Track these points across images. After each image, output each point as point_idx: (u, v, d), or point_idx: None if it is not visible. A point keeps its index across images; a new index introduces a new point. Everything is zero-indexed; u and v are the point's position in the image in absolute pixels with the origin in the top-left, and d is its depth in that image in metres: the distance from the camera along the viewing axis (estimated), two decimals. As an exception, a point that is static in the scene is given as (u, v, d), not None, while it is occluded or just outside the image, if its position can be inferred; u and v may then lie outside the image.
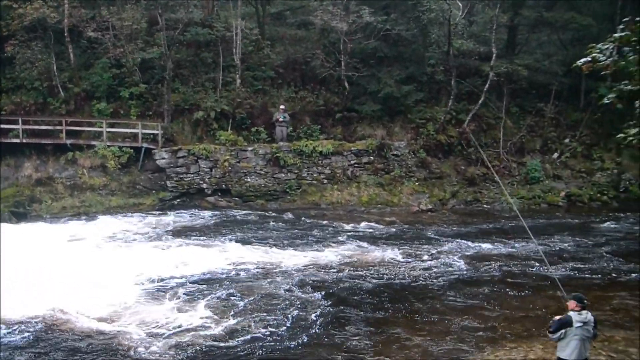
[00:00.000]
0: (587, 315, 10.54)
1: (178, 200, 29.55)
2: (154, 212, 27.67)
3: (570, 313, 10.55)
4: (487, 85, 33.16)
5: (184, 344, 13.72)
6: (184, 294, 17.03)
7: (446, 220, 27.47)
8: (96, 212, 27.32)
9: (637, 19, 13.29)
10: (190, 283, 18.02)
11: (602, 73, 16.69)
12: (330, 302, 16.44)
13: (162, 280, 18.26)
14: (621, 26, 13.91)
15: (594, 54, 14.10)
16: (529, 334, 14.39)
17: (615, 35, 13.72)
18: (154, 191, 29.59)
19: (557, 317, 10.74)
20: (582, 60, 14.32)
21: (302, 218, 27.03)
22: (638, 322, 15.19)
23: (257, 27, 36.33)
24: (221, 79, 32.79)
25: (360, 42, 33.08)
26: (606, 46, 13.97)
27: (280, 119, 30.99)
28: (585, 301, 10.66)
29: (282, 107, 31.33)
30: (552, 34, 38.25)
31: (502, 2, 34.44)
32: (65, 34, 30.95)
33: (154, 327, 14.67)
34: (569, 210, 30.01)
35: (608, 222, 27.01)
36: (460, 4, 38.26)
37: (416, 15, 33.36)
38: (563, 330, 10.44)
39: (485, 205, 30.44)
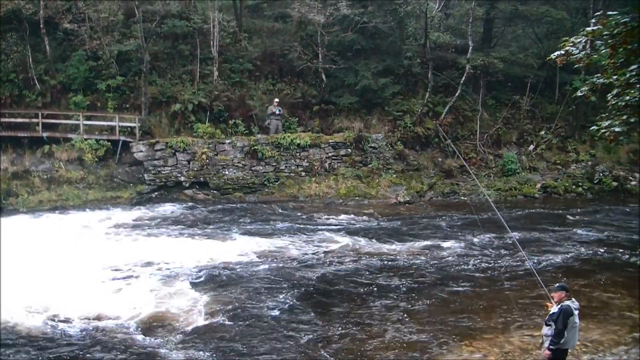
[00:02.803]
0: (577, 302, 10.84)
1: (156, 193, 29.47)
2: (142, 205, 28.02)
3: (566, 303, 10.75)
4: (463, 78, 33.36)
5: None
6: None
7: (424, 212, 27.73)
8: (73, 206, 27.21)
9: (609, 13, 13.48)
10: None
11: (576, 66, 16.92)
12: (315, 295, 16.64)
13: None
14: (593, 20, 14.10)
15: (567, 48, 14.27)
16: (506, 325, 14.58)
17: (588, 29, 13.89)
18: (131, 184, 29.47)
19: (552, 311, 10.90)
20: (556, 53, 14.48)
21: (280, 210, 27.20)
22: (612, 312, 15.50)
23: (234, 19, 36.33)
24: (198, 72, 32.72)
25: (337, 35, 33.13)
26: (579, 40, 14.15)
27: (277, 112, 31.12)
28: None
29: (276, 100, 31.50)
30: (527, 27, 38.63)
31: (478, -5, 34.70)
32: (41, 26, 30.62)
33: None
34: (545, 202, 30.33)
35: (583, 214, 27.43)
36: (436, -3, 38.53)
37: (393, 8, 33.60)
38: (568, 321, 10.65)
39: (462, 197, 30.67)
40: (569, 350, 11.13)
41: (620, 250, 21.16)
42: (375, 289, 17.21)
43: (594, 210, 28.22)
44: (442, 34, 36.83)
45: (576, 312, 10.72)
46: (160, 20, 32.42)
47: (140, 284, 17.33)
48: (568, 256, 20.37)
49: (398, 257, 20.31)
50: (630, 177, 32.47)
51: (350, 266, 19.30)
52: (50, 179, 28.53)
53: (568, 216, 26.90)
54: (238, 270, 18.72)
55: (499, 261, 19.79)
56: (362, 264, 19.55)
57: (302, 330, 14.24)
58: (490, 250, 21.17)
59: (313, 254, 20.67)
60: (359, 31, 33.10)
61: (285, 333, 14.04)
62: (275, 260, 19.80)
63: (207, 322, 14.72)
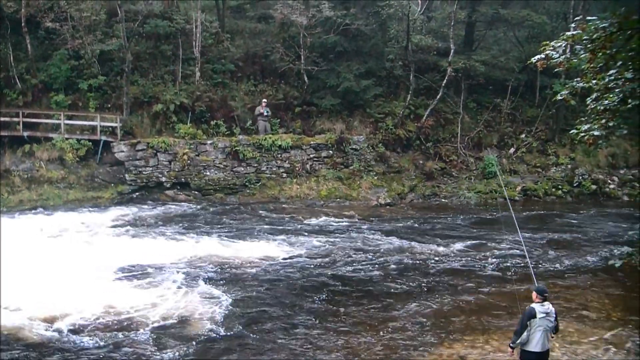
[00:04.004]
0: (549, 306, 10.88)
1: (137, 193, 29.39)
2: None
3: (533, 305, 10.87)
4: (445, 81, 33.51)
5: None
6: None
7: (405, 214, 27.86)
8: (54, 206, 27.07)
9: (588, 18, 13.65)
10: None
11: (556, 70, 17.09)
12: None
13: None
14: (573, 25, 14.27)
15: (547, 52, 14.41)
16: (486, 326, 14.68)
17: (568, 33, 14.06)
18: (112, 184, 29.39)
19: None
20: (537, 57, 14.63)
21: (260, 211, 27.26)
22: (591, 314, 15.66)
23: (217, 20, 36.27)
24: (180, 72, 32.67)
25: (319, 36, 33.16)
26: (559, 44, 14.29)
27: (265, 113, 31.20)
28: (546, 294, 10.99)
29: (264, 101, 31.59)
30: (508, 31, 38.91)
31: (460, -2, 34.88)
32: (23, 24, 30.41)
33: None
34: (525, 205, 30.51)
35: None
36: (419, 0, 38.65)
37: (375, 10, 33.73)
38: (528, 323, 10.76)
39: (443, 199, 30.82)
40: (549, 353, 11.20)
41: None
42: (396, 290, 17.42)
43: (598, 213, 28.57)
44: (424, 37, 36.89)
45: (543, 316, 10.72)
46: (143, 20, 32.34)
47: (156, 287, 17.05)
48: (576, 259, 20.59)
49: (419, 258, 20.56)
50: (609, 181, 32.78)
51: (377, 268, 19.40)
52: (30, 178, 28.39)
53: (572, 219, 27.23)
54: (258, 272, 18.70)
55: (514, 261, 19.99)
56: (392, 264, 19.78)
57: (329, 340, 13.87)
58: (508, 250, 21.48)
59: (332, 254, 20.81)
60: (342, 33, 33.15)
61: (314, 343, 13.70)
62: (296, 261, 19.81)
63: (229, 333, 14.16)
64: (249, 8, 40.37)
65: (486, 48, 39.01)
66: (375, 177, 31.62)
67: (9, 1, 30.09)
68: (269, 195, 29.94)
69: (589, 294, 17.22)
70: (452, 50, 33.61)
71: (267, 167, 30.73)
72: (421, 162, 33.25)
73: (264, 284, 17.58)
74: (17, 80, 30.60)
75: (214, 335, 14.02)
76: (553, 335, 11.17)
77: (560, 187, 32.15)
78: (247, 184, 30.26)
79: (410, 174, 32.45)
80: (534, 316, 10.74)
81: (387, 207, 29.18)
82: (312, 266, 19.36)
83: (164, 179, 29.60)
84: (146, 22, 32.83)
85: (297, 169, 31.00)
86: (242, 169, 30.41)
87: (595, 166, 33.67)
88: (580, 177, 32.55)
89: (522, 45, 37.67)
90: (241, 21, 38.51)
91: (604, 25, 12.99)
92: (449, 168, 33.32)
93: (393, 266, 19.56)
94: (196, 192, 29.76)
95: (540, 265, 19.75)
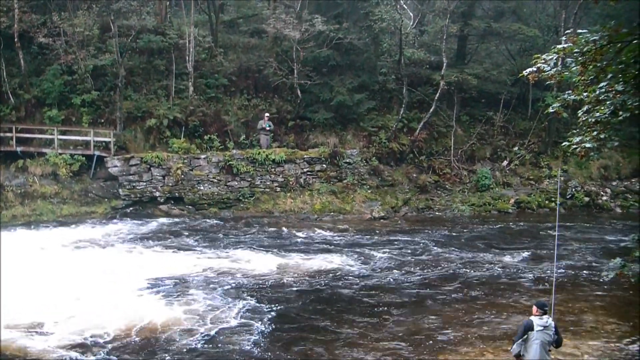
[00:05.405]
0: (548, 320, 10.95)
1: (131, 208, 29.32)
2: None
3: (532, 317, 10.97)
4: (438, 94, 33.66)
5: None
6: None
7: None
8: (47, 221, 27.02)
9: (579, 31, 13.70)
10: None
11: (548, 83, 17.20)
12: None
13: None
14: (564, 38, 14.32)
15: (539, 64, 14.45)
16: (480, 338, 14.69)
17: (559, 46, 14.10)
18: (106, 199, 29.34)
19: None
20: (528, 70, 14.64)
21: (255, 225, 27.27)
22: (587, 325, 15.70)
23: (210, 34, 36.28)
24: (174, 87, 32.68)
25: (312, 51, 33.26)
26: (550, 57, 14.33)
27: (267, 128, 31.23)
28: (546, 308, 11.06)
29: (266, 115, 31.64)
30: (501, 44, 39.12)
31: (452, 12, 35.02)
32: (16, 40, 30.41)
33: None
34: (518, 217, 30.59)
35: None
36: (411, 14, 38.88)
37: (368, 25, 33.85)
38: (525, 335, 10.83)
39: (437, 212, 30.88)
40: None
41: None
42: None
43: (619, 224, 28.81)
44: (416, 51, 37.03)
45: (540, 329, 10.80)
46: (136, 35, 32.38)
47: (192, 303, 16.79)
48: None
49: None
50: (602, 193, 32.91)
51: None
52: (24, 193, 28.33)
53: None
54: (295, 284, 18.73)
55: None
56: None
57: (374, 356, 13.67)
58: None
59: (367, 265, 20.97)
60: (334, 47, 33.26)
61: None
62: (336, 273, 19.97)
63: (271, 353, 13.71)
64: (242, 23, 40.45)
65: (478, 61, 39.18)
66: (369, 191, 31.65)
67: (2, 16, 30.10)
68: (263, 210, 29.92)
69: (587, 307, 17.26)
70: (444, 64, 33.77)
71: (261, 181, 30.73)
72: (415, 175, 33.31)
73: (303, 297, 17.56)
74: (10, 96, 30.60)
75: (256, 357, 13.68)
76: (550, 348, 11.20)
77: (553, 199, 32.21)
78: (241, 198, 30.24)
79: (403, 188, 32.50)
80: (531, 328, 10.82)
81: (381, 220, 29.21)
82: (351, 277, 19.49)
83: (157, 194, 29.56)
84: (139, 37, 32.89)
85: (291, 183, 31.02)
86: (236, 183, 30.40)
87: (587, 178, 33.83)
88: (573, 189, 32.67)
89: (514, 59, 37.90)
90: (234, 36, 38.55)
91: (594, 38, 13.02)
92: (442, 181, 33.39)
93: (431, 276, 19.75)
94: (190, 207, 29.72)
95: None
